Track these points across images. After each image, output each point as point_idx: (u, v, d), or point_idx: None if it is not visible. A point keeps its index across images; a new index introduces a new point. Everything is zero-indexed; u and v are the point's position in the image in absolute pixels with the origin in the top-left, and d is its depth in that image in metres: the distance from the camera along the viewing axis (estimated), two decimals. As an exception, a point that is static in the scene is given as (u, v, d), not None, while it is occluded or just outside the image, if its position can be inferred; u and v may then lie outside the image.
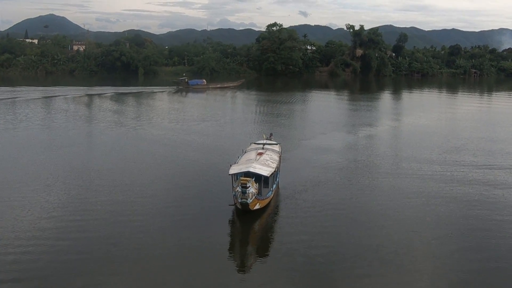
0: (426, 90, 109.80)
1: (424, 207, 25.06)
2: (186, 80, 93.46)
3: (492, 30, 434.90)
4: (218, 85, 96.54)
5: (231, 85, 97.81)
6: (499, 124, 55.73)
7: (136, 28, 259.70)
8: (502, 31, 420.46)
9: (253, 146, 29.86)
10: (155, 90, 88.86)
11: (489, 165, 34.23)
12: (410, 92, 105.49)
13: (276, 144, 30.60)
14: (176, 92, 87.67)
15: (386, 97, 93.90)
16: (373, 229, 22.16)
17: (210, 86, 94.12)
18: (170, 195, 26.42)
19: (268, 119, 55.62)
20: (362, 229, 22.09)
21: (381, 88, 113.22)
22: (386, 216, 23.89)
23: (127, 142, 40.81)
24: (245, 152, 28.50)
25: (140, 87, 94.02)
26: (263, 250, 20.62)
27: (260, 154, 26.84)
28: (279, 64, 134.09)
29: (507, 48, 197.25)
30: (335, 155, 36.65)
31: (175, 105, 71.13)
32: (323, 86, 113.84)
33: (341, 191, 27.53)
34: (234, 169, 24.26)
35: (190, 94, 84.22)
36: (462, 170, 32.55)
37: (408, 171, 32.02)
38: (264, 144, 29.50)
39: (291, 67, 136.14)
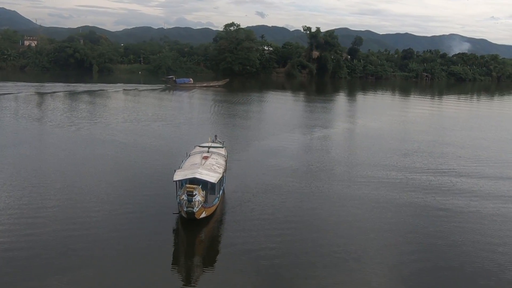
0: (380, 93, 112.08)
1: (375, 212, 25.27)
2: (174, 78, 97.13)
3: (443, 35, 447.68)
4: (204, 84, 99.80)
5: (216, 84, 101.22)
6: (449, 128, 57.31)
7: (91, 25, 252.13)
8: (452, 36, 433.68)
9: (198, 149, 28.55)
10: (140, 88, 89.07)
11: (441, 169, 34.97)
12: (365, 95, 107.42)
13: (222, 148, 29.51)
14: (164, 90, 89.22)
15: (341, 99, 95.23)
16: (324, 234, 22.17)
17: (197, 85, 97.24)
18: (112, 202, 25.16)
19: (222, 120, 55.36)
20: (313, 234, 22.05)
21: (336, 90, 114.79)
22: (338, 221, 24.00)
23: (75, 143, 39.37)
24: (190, 156, 27.25)
25: (122, 84, 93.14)
26: (209, 259, 20.01)
27: (206, 158, 25.63)
28: (236, 64, 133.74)
29: (456, 53, 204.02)
30: (287, 158, 36.56)
31: (132, 103, 69.63)
32: (280, 87, 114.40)
33: (292, 196, 27.27)
34: (178, 175, 23.13)
35: (176, 92, 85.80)
36: (414, 174, 33.07)
37: (360, 176, 32.24)
38: (209, 147, 28.33)
39: (248, 67, 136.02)
